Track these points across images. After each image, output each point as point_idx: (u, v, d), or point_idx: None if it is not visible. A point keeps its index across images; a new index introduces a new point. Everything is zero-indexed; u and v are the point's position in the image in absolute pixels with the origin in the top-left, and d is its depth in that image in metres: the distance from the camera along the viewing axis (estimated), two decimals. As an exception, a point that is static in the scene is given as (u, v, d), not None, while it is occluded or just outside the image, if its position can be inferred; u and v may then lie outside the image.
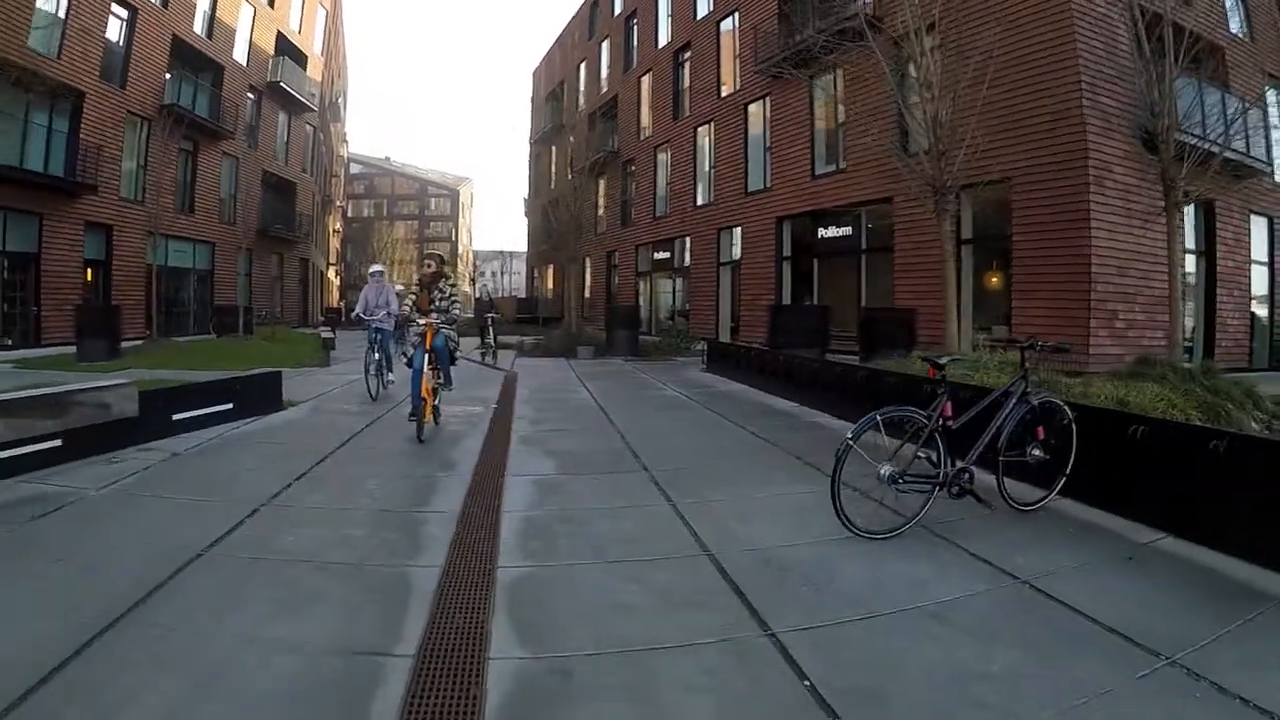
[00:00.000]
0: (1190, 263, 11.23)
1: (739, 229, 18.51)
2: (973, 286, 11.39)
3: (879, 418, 3.45)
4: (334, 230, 50.41)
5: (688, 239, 21.51)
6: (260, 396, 7.46)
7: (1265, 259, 12.49)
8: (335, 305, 40.84)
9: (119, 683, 2.16)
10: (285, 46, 28.02)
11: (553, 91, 35.70)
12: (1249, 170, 10.89)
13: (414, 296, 6.71)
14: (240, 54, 24.81)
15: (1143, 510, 3.74)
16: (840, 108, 13.77)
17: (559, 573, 3.24)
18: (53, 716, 1.98)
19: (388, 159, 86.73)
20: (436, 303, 6.58)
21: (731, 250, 19.29)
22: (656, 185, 23.86)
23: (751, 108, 17.70)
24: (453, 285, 6.72)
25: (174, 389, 6.94)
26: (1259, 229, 12.37)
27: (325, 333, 14.96)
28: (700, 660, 2.41)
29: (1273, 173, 12.08)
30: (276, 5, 27.24)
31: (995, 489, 3.95)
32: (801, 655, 2.41)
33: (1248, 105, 10.19)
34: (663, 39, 23.50)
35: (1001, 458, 3.86)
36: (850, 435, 3.43)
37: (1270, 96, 12.33)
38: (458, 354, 7.07)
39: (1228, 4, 12.01)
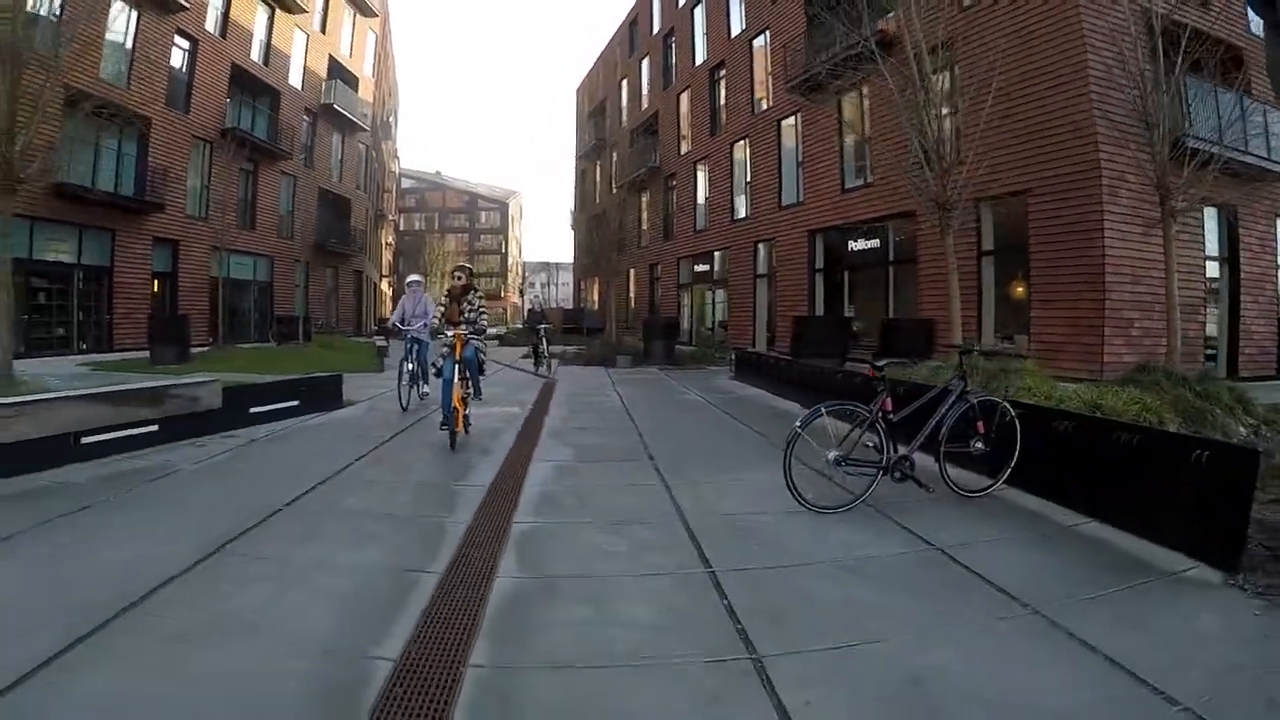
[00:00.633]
0: (1213, 269, 11.30)
1: (773, 242, 19.19)
2: (994, 296, 11.77)
3: (824, 410, 4.19)
4: (386, 243, 52.75)
5: (726, 252, 22.26)
6: (324, 395, 8.58)
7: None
8: (388, 315, 42.90)
9: (221, 585, 3.10)
10: (337, 70, 29.80)
11: (596, 108, 36.98)
12: (1272, 175, 10.90)
13: (443, 308, 7.00)
14: (295, 79, 26.53)
15: (1074, 498, 4.30)
16: (866, 123, 14.36)
17: (561, 527, 4.10)
18: (177, 602, 2.92)
19: (438, 173, 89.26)
20: (465, 314, 6.84)
21: (767, 262, 19.98)
22: (696, 199, 24.70)
23: (784, 123, 18.39)
24: (481, 297, 7.00)
25: (251, 386, 8.08)
26: (1287, 234, 12.27)
27: (379, 341, 16.27)
28: (651, 585, 3.21)
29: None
30: (328, 31, 28.92)
31: (941, 476, 4.62)
32: (729, 586, 3.18)
33: (1267, 107, 10.30)
34: (699, 57, 24.39)
35: (943, 448, 4.52)
36: (799, 424, 4.18)
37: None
38: (487, 362, 7.38)
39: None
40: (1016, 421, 4.60)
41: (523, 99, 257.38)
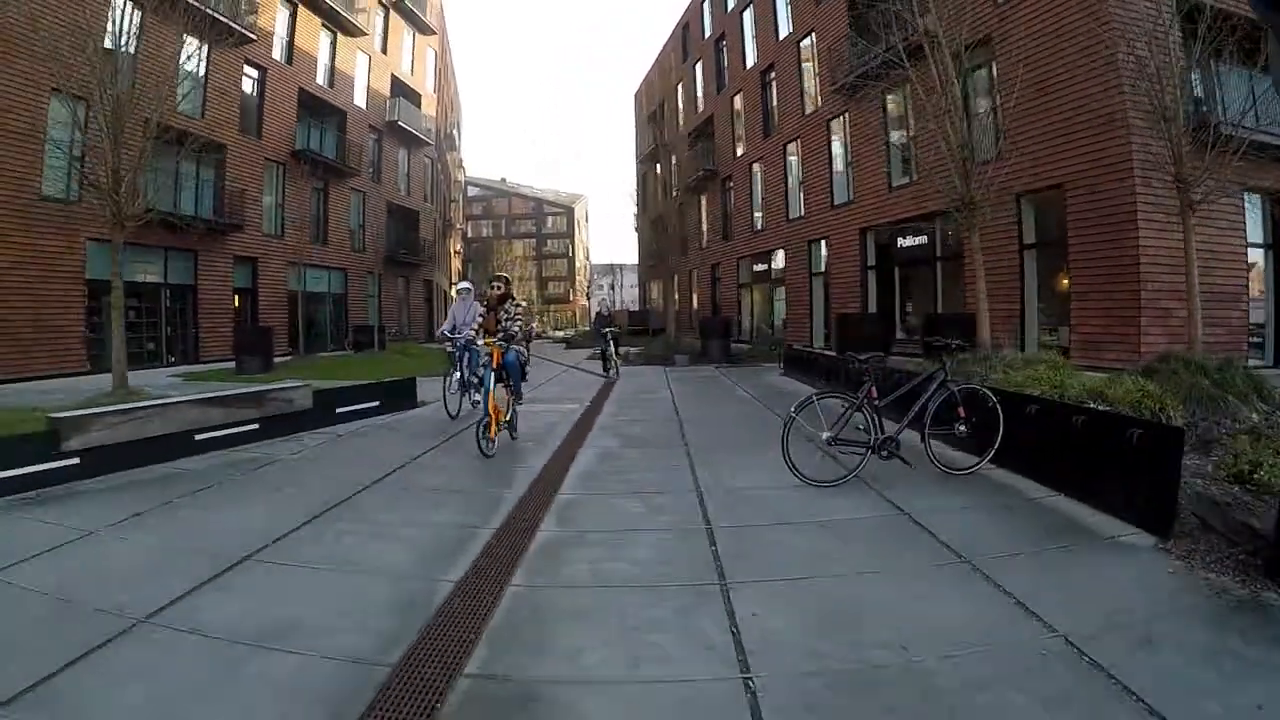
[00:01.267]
0: (1256, 256, 11.09)
1: (827, 240, 19.61)
2: (1037, 289, 11.93)
3: (814, 398, 4.94)
4: (455, 251, 54.99)
5: (782, 251, 22.77)
6: (400, 397, 9.73)
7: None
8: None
9: (322, 539, 4.13)
10: (400, 88, 31.23)
11: (654, 112, 37.90)
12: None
13: (481, 318, 7.27)
14: (360, 99, 27.85)
15: (1044, 474, 4.84)
16: (910, 122, 14.69)
17: (595, 497, 5.01)
18: (287, 550, 3.94)
19: (503, 180, 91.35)
20: (502, 322, 7.01)
21: (821, 261, 20.42)
22: (753, 200, 25.28)
23: (833, 124, 18.79)
24: (518, 306, 7.16)
25: (337, 389, 9.32)
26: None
27: (449, 347, 17.60)
28: (658, 536, 4.07)
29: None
30: (389, 52, 30.36)
31: (927, 455, 5.25)
32: (720, 537, 3.99)
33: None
34: (750, 60, 24.96)
35: (928, 431, 5.17)
36: (793, 410, 4.93)
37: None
38: (532, 365, 7.63)
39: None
40: (998, 407, 5.19)
41: (584, 103, 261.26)
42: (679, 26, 33.60)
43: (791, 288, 22.15)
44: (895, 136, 15.72)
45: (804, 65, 20.62)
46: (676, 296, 35.75)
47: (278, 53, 22.73)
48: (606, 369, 14.32)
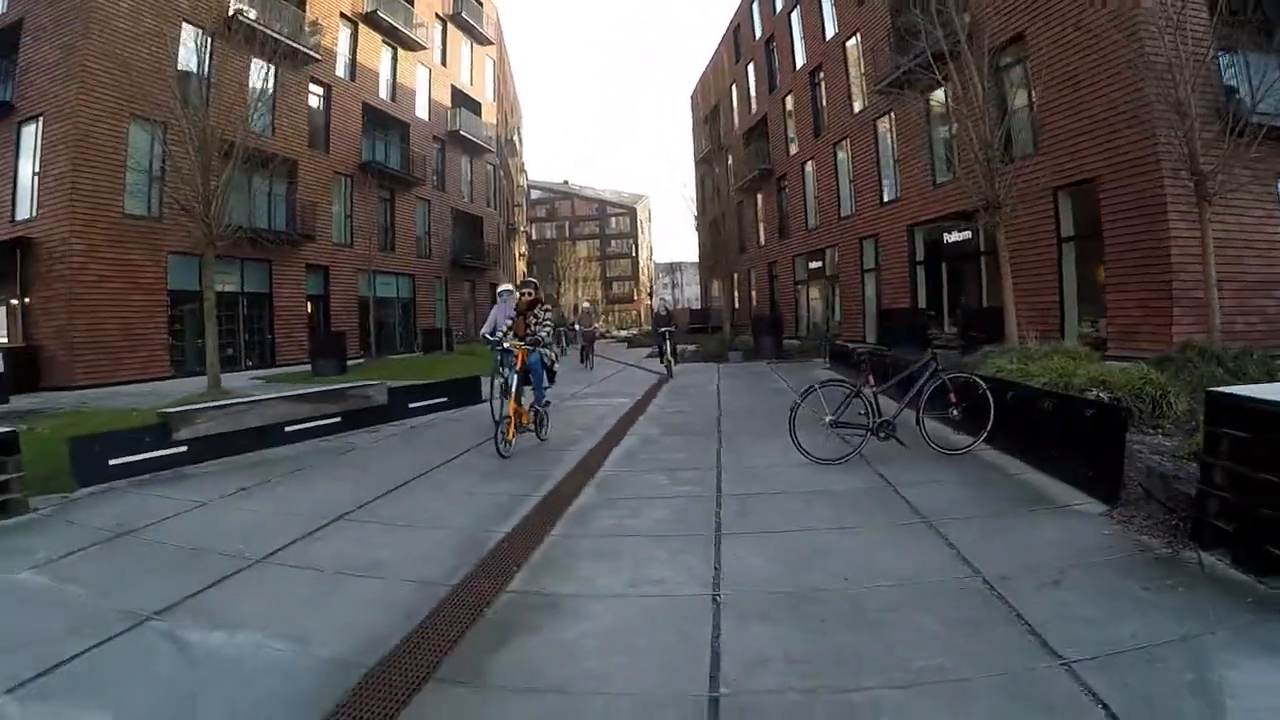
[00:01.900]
0: None
1: (877, 237, 19.85)
2: (1076, 281, 12.00)
3: (817, 386, 5.62)
4: (519, 254, 56.63)
5: (835, 248, 23.06)
6: (466, 393, 10.76)
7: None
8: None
9: (399, 504, 5.09)
10: (460, 98, 32.38)
11: (710, 113, 38.46)
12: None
13: (508, 322, 7.43)
14: (422, 111, 28.93)
15: (1024, 453, 5.33)
16: (951, 120, 14.88)
17: (629, 473, 5.84)
18: (368, 513, 4.92)
19: (566, 182, 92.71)
20: (531, 327, 7.21)
21: (871, 257, 20.66)
22: (806, 199, 25.60)
23: (879, 123, 19.04)
24: (546, 310, 7.39)
25: (409, 387, 10.40)
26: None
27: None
28: (675, 502, 4.87)
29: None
30: (448, 63, 31.56)
31: (922, 436, 5.85)
32: (726, 503, 4.75)
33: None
34: (799, 60, 25.27)
35: (922, 415, 5.77)
36: (799, 397, 5.63)
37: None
38: (556, 366, 7.73)
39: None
40: (989, 394, 5.74)
41: (643, 103, 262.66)
42: (730, 28, 34.09)
43: (844, 284, 22.45)
44: (937, 134, 15.92)
45: (850, 66, 20.90)
46: (736, 294, 36.28)
47: (341, 70, 23.89)
48: (664, 365, 14.89)
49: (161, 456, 6.49)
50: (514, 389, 6.73)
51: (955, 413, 5.76)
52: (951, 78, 10.42)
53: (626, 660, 2.65)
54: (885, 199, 19.15)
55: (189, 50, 15.67)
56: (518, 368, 6.86)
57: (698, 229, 45.09)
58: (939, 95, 15.21)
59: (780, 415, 9.00)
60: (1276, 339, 9.59)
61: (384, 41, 26.32)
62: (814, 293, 26.42)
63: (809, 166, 24.93)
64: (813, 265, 25.79)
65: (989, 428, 5.76)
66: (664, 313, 16.94)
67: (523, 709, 2.36)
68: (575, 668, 2.62)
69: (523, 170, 60.40)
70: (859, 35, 19.91)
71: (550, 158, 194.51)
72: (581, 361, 18.10)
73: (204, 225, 12.79)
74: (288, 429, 7.71)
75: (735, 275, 35.63)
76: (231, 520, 4.82)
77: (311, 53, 21.12)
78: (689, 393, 11.88)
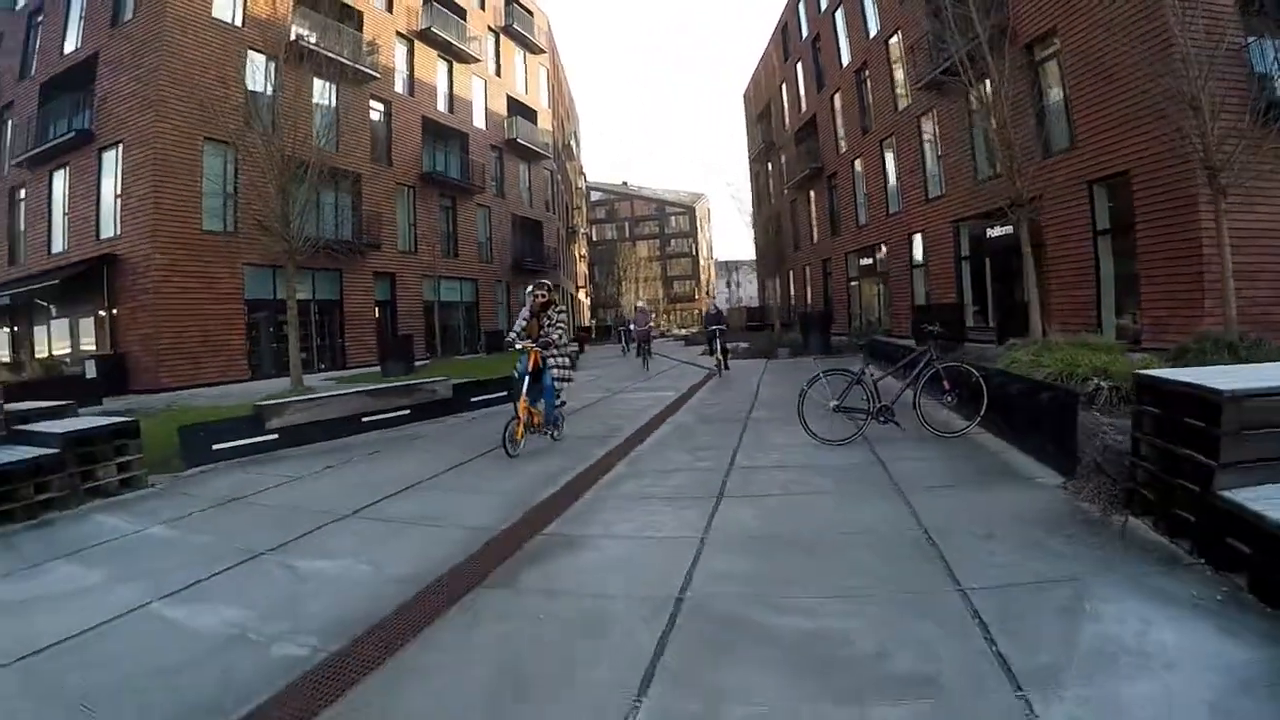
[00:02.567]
0: None
1: (923, 233, 19.99)
2: (1113, 274, 12.04)
3: (822, 375, 6.32)
4: (580, 256, 57.66)
5: (884, 245, 23.26)
6: (525, 389, 11.88)
7: None
8: (586, 324, 47.66)
9: (462, 478, 6.07)
10: (516, 107, 33.16)
11: (762, 112, 38.74)
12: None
13: (524, 323, 7.27)
14: (479, 121, 29.77)
15: (1009, 434, 5.83)
16: (991, 116, 15.04)
17: (659, 452, 6.68)
18: (433, 485, 5.92)
19: (625, 183, 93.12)
20: (544, 329, 7.14)
21: (918, 253, 20.80)
22: (856, 196, 25.77)
23: (923, 120, 19.18)
24: (560, 312, 7.31)
25: (472, 383, 11.44)
26: None
27: (572, 347, 19.73)
28: (692, 474, 5.67)
29: None
30: (503, 74, 32.43)
31: (919, 420, 6.45)
32: (733, 475, 5.51)
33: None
34: (844, 59, 25.45)
35: (918, 401, 6.38)
36: (805, 385, 6.34)
37: None
38: (570, 374, 7.65)
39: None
40: (982, 381, 6.31)
41: (698, 101, 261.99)
42: (778, 28, 34.36)
43: (893, 280, 22.61)
44: (978, 131, 16.07)
45: (893, 63, 21.07)
46: (793, 291, 36.52)
47: (400, 86, 24.83)
48: (716, 363, 15.22)
49: (256, 443, 7.56)
50: (524, 389, 6.79)
51: (950, 399, 6.36)
52: (972, 82, 10.79)
53: (623, 577, 3.50)
54: (930, 195, 19.30)
55: (256, 75, 16.70)
56: (529, 369, 6.89)
57: (753, 227, 45.61)
58: (978, 92, 15.43)
59: (824, 409, 9.72)
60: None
61: (439, 56, 27.24)
62: (865, 289, 26.58)
63: (858, 164, 25.12)
64: (864, 262, 25.97)
65: (982, 412, 6.31)
66: (714, 311, 17.20)
67: (542, 602, 3.24)
68: (584, 580, 3.50)
69: (581, 173, 61.27)
70: (900, 33, 20.08)
71: (609, 158, 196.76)
72: (637, 355, 18.70)
73: (284, 242, 13.79)
74: (364, 419, 8.79)
75: (791, 273, 35.92)
76: (320, 488, 5.93)
77: (370, 71, 22.09)
78: (732, 386, 12.59)
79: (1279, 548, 2.83)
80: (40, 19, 20.48)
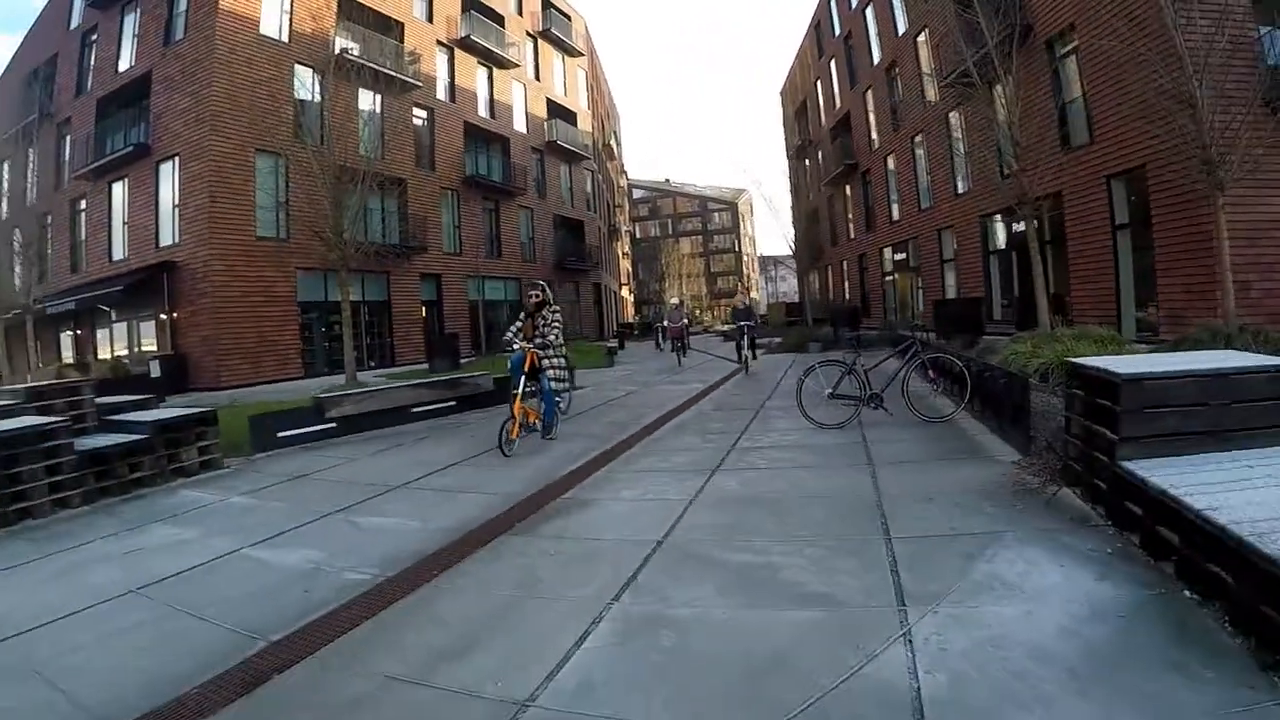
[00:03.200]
0: None
1: (953, 228, 20.13)
2: (1132, 268, 12.12)
3: (817, 366, 6.95)
4: (623, 253, 57.96)
5: (916, 240, 23.41)
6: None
7: None
8: (629, 320, 48.29)
9: (497, 460, 6.88)
10: (556, 109, 33.56)
11: (798, 109, 38.83)
12: None
13: (519, 324, 7.40)
14: (519, 124, 30.17)
15: (987, 418, 6.34)
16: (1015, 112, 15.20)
17: (674, 435, 7.43)
18: (476, 461, 6.73)
19: (667, 180, 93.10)
20: (540, 329, 7.28)
21: (949, 248, 20.92)
22: (889, 192, 25.90)
23: (951, 116, 19.32)
24: (554, 312, 7.41)
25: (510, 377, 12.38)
26: None
27: (611, 344, 20.53)
28: (702, 451, 6.40)
29: None
30: (542, 78, 32.82)
31: (907, 406, 7.00)
32: (733, 453, 6.21)
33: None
34: (875, 56, 25.50)
35: (907, 388, 6.95)
36: (803, 374, 6.98)
37: None
38: (566, 386, 8.26)
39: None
40: (965, 371, 6.85)
41: (735, 97, 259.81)
42: (811, 25, 34.44)
43: (925, 275, 22.75)
44: (1001, 127, 16.23)
45: (921, 60, 21.20)
46: (831, 286, 36.65)
47: (442, 93, 25.35)
48: (741, 359, 15.34)
49: (317, 430, 8.41)
50: (519, 390, 6.92)
51: (936, 388, 6.93)
52: (981, 85, 11.15)
53: (620, 528, 4.27)
54: (959, 191, 19.47)
55: (304, 88, 17.65)
56: (525, 369, 7.04)
57: (793, 223, 45.70)
58: (999, 90, 15.62)
59: (821, 396, 10.30)
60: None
61: (479, 63, 27.69)
62: (899, 284, 26.70)
63: (890, 160, 25.26)
64: (897, 257, 26.07)
65: (967, 398, 6.87)
66: (742, 306, 17.17)
67: (553, 544, 4.04)
68: (589, 529, 4.29)
69: (623, 172, 61.35)
70: (928, 30, 20.21)
71: (650, 157, 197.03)
72: (672, 351, 19.10)
73: (338, 250, 14.40)
74: (412, 410, 9.63)
75: (829, 268, 36.06)
76: (375, 467, 6.85)
77: (413, 80, 22.57)
78: (756, 379, 13.19)
79: (1160, 509, 3.38)
80: (94, 38, 21.43)
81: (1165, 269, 11.21)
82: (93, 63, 21.57)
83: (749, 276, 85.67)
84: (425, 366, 19.00)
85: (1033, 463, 4.89)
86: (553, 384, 7.33)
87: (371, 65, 19.62)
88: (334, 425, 8.64)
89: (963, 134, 18.57)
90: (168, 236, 18.58)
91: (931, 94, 20.55)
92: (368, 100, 19.56)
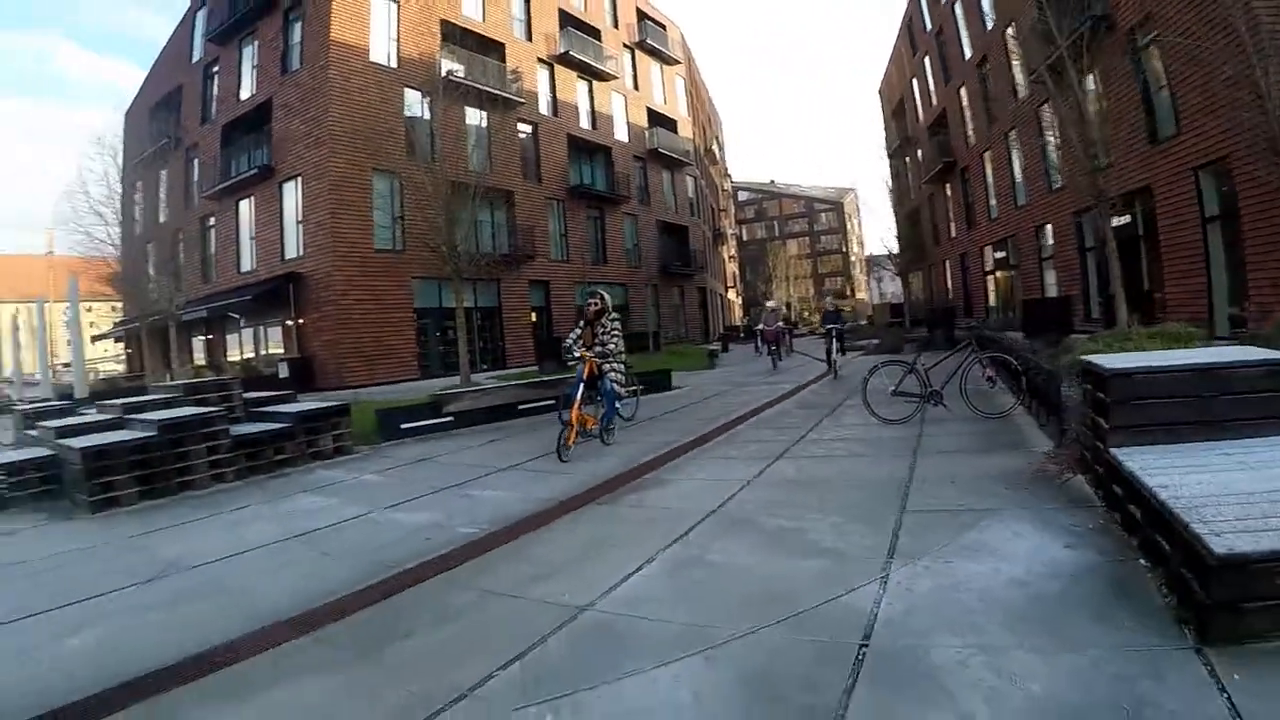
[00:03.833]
0: None
1: (1049, 225, 19.28)
2: (1223, 262, 11.35)
3: (880, 365, 7.49)
4: (729, 257, 57.46)
5: (1014, 238, 22.53)
6: (659, 382, 13.58)
7: None
8: (735, 323, 48.07)
9: (593, 447, 7.90)
10: (656, 118, 33.62)
11: (896, 107, 37.80)
12: None
13: (578, 332, 7.35)
14: (621, 134, 30.35)
15: (1040, 415, 6.56)
16: (1105, 104, 14.52)
17: (752, 430, 8.16)
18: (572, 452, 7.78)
19: (772, 182, 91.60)
20: (599, 337, 7.27)
21: (1045, 245, 20.02)
22: (987, 189, 24.92)
23: (1041, 111, 18.57)
24: (615, 320, 7.41)
25: (612, 377, 13.45)
26: None
27: (713, 347, 21.17)
28: (769, 444, 7.11)
29: None
30: (640, 88, 32.89)
31: (966, 404, 7.34)
32: (797, 444, 6.88)
33: None
34: (966, 52, 24.51)
35: (965, 386, 7.32)
36: (867, 374, 7.54)
37: None
38: (626, 392, 8.40)
39: None
40: (1020, 369, 7.19)
41: (838, 96, 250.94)
42: (904, 22, 33.49)
43: (1024, 273, 21.84)
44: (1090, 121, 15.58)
45: (1010, 55, 20.40)
46: (934, 286, 35.52)
47: (544, 108, 25.82)
48: (830, 363, 15.12)
49: (435, 423, 9.27)
50: (577, 397, 6.91)
51: (990, 386, 7.29)
52: (1049, 85, 11.03)
53: (686, 501, 5.14)
54: (1053, 186, 18.70)
55: (414, 109, 18.61)
56: (584, 376, 7.05)
57: (897, 223, 44.38)
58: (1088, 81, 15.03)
59: (887, 394, 10.66)
60: None
61: (579, 77, 28.08)
62: (1000, 283, 25.68)
63: (986, 156, 24.38)
64: (997, 255, 25.01)
65: (1022, 395, 7.20)
66: (831, 309, 17.19)
67: (628, 511, 5.00)
68: (660, 501, 5.22)
69: (726, 175, 60.56)
70: (1014, 24, 19.47)
71: (756, 159, 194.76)
72: (768, 355, 18.66)
73: (453, 264, 14.69)
74: (519, 407, 10.47)
75: (932, 267, 35.00)
76: (485, 453, 7.93)
77: (516, 97, 23.02)
78: (842, 380, 13.40)
79: (1130, 488, 3.74)
80: (215, 70, 23.03)
81: (1257, 263, 10.54)
82: (215, 92, 23.12)
83: (854, 278, 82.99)
84: (535, 368, 19.37)
85: (1060, 453, 5.12)
86: (615, 388, 7.33)
87: (476, 85, 20.19)
88: (450, 419, 9.51)
89: (1055, 129, 17.88)
90: (292, 249, 19.52)
91: (1022, 89, 19.85)
92: (475, 118, 20.13)
